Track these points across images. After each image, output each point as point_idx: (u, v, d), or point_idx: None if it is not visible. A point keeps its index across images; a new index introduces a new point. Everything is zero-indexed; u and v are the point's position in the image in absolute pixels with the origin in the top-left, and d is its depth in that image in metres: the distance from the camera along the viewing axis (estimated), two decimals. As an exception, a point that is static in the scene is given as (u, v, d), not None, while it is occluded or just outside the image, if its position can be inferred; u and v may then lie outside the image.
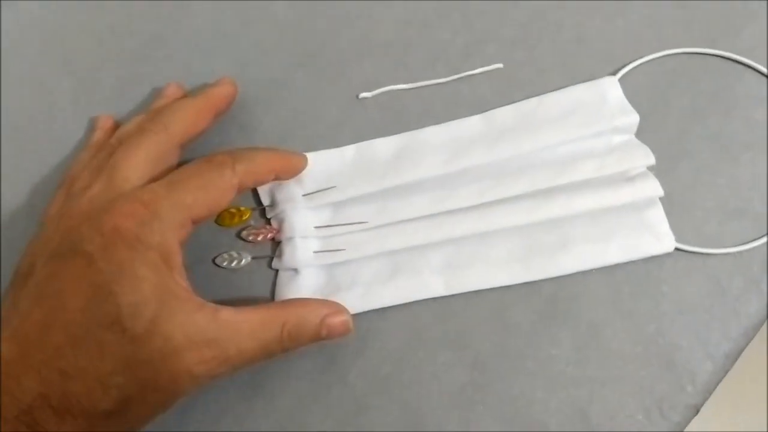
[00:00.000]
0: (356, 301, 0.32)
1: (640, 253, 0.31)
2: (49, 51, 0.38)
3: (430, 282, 0.32)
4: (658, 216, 0.32)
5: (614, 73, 0.34)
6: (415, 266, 0.32)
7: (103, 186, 0.29)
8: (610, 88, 0.34)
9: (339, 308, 0.30)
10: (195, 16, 0.38)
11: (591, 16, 0.36)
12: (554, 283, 0.32)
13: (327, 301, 0.31)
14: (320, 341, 0.29)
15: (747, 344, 0.30)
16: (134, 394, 0.26)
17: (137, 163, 0.29)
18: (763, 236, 0.31)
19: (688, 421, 0.30)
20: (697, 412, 0.30)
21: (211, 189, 0.29)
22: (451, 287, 0.32)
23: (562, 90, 0.34)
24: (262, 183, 0.32)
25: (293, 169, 0.32)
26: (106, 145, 0.33)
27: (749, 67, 0.34)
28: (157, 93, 0.36)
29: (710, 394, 0.30)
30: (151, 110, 0.34)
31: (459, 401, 0.31)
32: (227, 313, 0.27)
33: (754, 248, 0.31)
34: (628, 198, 0.31)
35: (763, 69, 0.34)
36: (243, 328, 0.27)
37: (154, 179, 0.29)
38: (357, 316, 0.32)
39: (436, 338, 0.32)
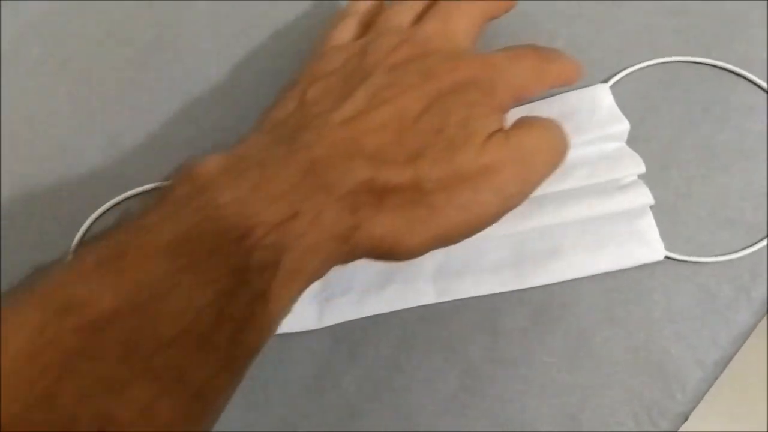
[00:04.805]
0: (350, 307, 0.32)
1: (630, 261, 0.31)
2: (47, 56, 0.39)
3: (422, 289, 0.32)
4: (648, 224, 0.32)
5: (606, 81, 0.35)
6: (408, 273, 0.32)
7: (438, 28, 0.29)
8: (602, 95, 0.34)
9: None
10: (194, 23, 0.39)
11: (584, 24, 0.36)
12: (545, 291, 0.32)
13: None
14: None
15: (736, 352, 0.31)
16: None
17: (469, 23, 0.30)
18: (752, 245, 0.32)
19: (677, 428, 0.30)
20: (686, 419, 0.30)
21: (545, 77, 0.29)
22: (442, 294, 0.32)
23: (553, 97, 0.34)
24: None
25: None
26: None
27: (742, 76, 0.34)
28: None
29: (699, 401, 0.30)
30: None
31: (451, 407, 0.31)
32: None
33: (744, 257, 0.31)
34: (619, 206, 0.31)
35: (756, 79, 0.34)
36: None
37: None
38: (350, 323, 0.32)
39: (428, 344, 0.32)
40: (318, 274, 0.25)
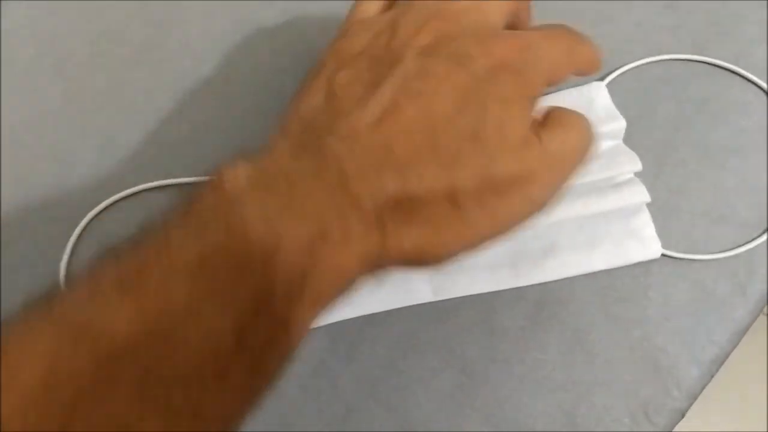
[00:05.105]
0: (346, 307, 0.32)
1: (626, 259, 0.31)
2: (41, 55, 0.39)
3: (418, 288, 0.32)
4: (644, 222, 0.32)
5: (602, 79, 0.35)
6: (405, 272, 0.32)
7: (469, 2, 0.27)
8: (598, 93, 0.34)
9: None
10: (188, 22, 0.39)
11: (580, 22, 0.36)
12: (541, 289, 0.32)
13: None
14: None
15: (733, 349, 0.31)
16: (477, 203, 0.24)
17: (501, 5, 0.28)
18: (748, 242, 0.32)
19: (673, 425, 0.30)
20: (683, 416, 0.30)
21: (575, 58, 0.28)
22: (438, 293, 0.32)
23: (549, 95, 0.35)
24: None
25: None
26: None
27: (737, 74, 0.34)
28: None
29: (696, 398, 0.30)
30: None
31: (447, 405, 0.31)
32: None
33: (740, 254, 0.31)
34: (615, 204, 0.31)
35: (751, 76, 0.34)
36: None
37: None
38: (346, 322, 0.32)
39: (424, 343, 0.32)
40: (341, 294, 0.24)
